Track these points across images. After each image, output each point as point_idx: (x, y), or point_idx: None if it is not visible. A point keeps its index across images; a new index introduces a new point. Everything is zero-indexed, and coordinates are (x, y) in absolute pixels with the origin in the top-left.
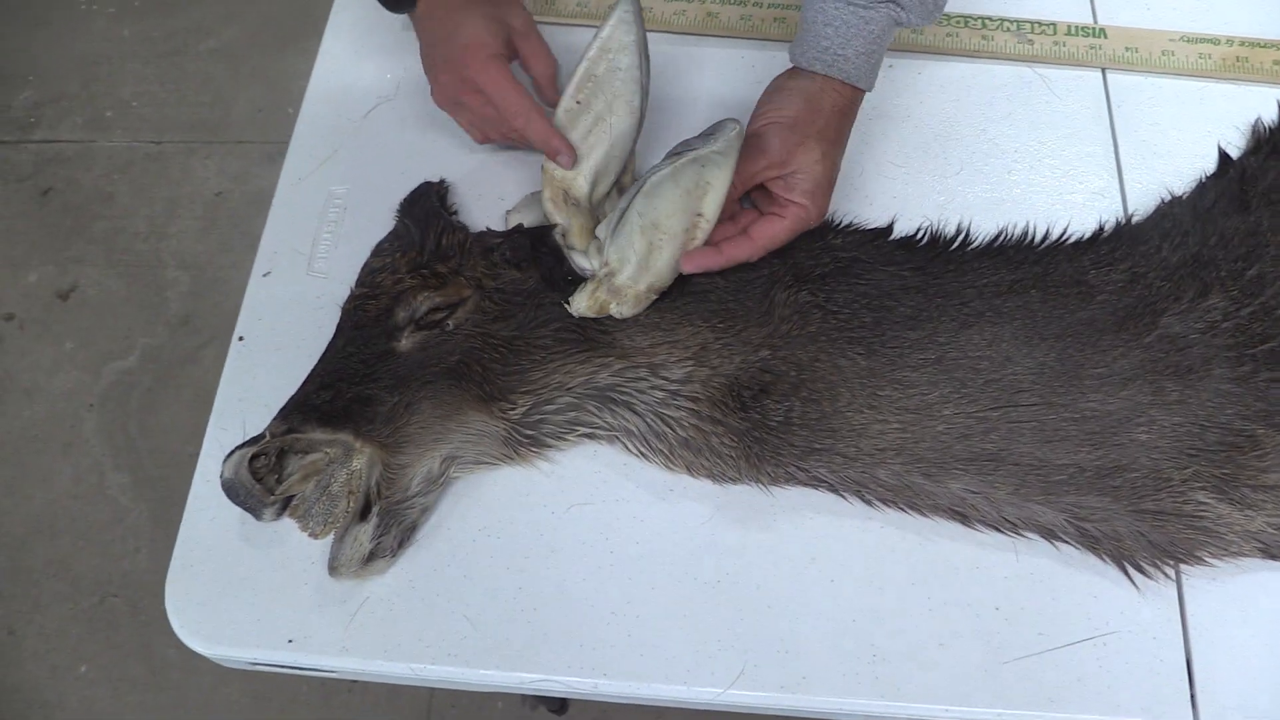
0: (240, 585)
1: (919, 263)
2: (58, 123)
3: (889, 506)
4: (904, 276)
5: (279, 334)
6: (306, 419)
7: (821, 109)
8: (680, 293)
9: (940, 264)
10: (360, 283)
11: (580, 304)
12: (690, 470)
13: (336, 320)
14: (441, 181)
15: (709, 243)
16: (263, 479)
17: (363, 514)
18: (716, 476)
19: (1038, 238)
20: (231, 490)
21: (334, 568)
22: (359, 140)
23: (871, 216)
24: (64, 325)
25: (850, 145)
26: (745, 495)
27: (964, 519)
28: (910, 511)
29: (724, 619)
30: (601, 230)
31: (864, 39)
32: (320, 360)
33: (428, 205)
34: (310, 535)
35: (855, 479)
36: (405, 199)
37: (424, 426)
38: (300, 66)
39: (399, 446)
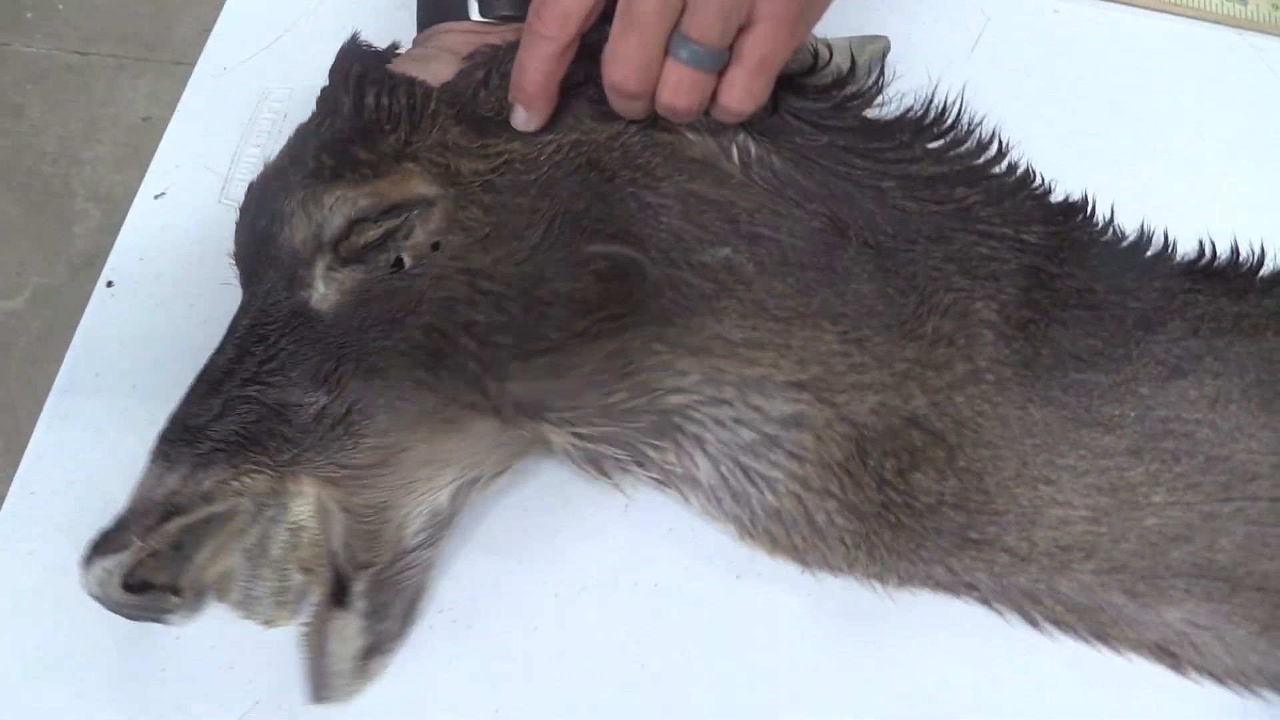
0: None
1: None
2: None
3: (1065, 632)
4: (1093, 291)
5: (165, 282)
6: (192, 473)
7: None
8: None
9: (1129, 274)
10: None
11: None
12: (773, 548)
13: None
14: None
15: None
16: (157, 572)
17: (336, 596)
18: (811, 563)
19: (1256, 258)
20: (112, 609)
21: (324, 689)
22: (314, 25)
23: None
24: None
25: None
26: (847, 594)
27: (1174, 661)
28: (1096, 644)
29: None
30: None
31: None
32: (218, 348)
33: (364, 57)
34: (263, 624)
35: (1024, 589)
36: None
37: (389, 445)
38: None
39: (358, 480)
